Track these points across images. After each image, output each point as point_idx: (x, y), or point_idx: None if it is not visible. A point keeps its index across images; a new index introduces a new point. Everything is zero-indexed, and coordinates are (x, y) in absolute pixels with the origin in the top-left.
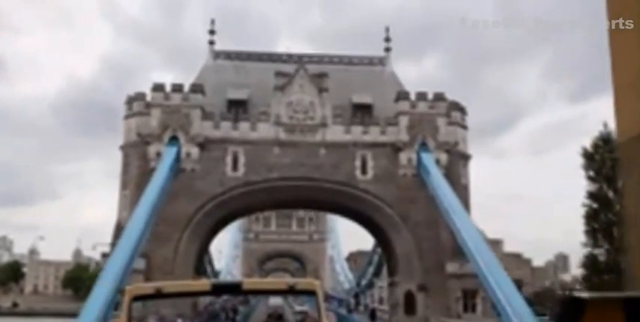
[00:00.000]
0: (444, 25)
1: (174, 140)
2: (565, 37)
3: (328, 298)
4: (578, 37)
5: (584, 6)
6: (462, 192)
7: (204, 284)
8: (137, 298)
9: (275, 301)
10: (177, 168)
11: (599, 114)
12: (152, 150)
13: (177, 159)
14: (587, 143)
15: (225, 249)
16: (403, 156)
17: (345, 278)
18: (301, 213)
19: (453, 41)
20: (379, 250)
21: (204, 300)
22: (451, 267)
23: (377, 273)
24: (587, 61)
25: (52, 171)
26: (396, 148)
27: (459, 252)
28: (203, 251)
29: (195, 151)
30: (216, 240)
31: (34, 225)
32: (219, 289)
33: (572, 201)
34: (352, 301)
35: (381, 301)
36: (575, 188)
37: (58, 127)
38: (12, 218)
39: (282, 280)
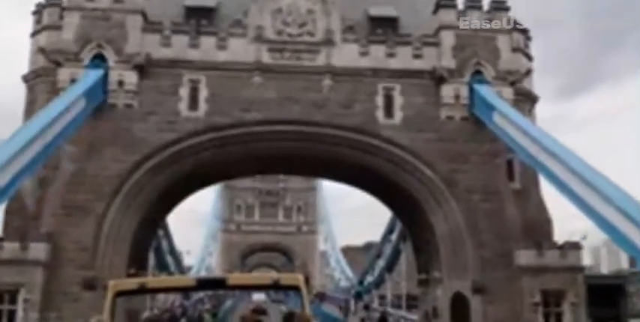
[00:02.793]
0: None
1: (99, 60)
2: (552, 34)
3: (324, 299)
4: (566, 35)
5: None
6: None
7: (189, 279)
8: (120, 293)
9: (258, 297)
10: (102, 103)
11: (583, 112)
12: (64, 74)
13: (104, 89)
14: None
15: (200, 241)
16: (448, 90)
17: (341, 274)
18: (288, 201)
19: None
20: (393, 237)
21: (157, 305)
22: (524, 257)
23: (389, 268)
24: (574, 59)
25: None
26: (436, 78)
27: (534, 234)
28: (148, 234)
29: (132, 78)
30: (194, 234)
31: None
32: (204, 284)
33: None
34: (353, 302)
35: (397, 302)
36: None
37: None
38: None
39: (267, 275)
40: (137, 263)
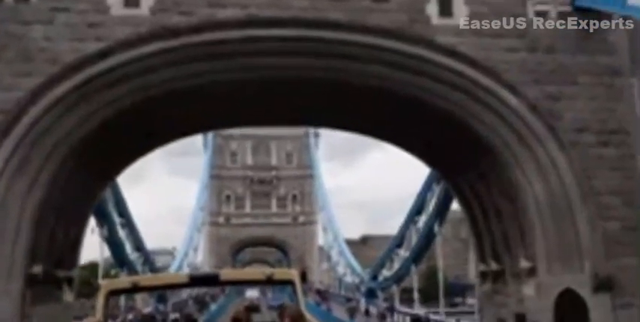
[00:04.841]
0: None
1: None
2: None
3: (327, 298)
4: None
5: None
6: None
7: (181, 276)
8: (113, 292)
9: (251, 293)
10: None
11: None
12: None
13: None
14: None
15: (183, 235)
16: None
17: (346, 268)
18: (282, 190)
19: None
20: (422, 218)
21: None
22: None
23: (416, 258)
24: None
25: None
26: None
27: None
28: (72, 213)
29: None
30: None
31: None
32: (197, 280)
33: None
34: (363, 301)
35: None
36: None
37: None
38: None
39: (260, 270)
40: (50, 258)
